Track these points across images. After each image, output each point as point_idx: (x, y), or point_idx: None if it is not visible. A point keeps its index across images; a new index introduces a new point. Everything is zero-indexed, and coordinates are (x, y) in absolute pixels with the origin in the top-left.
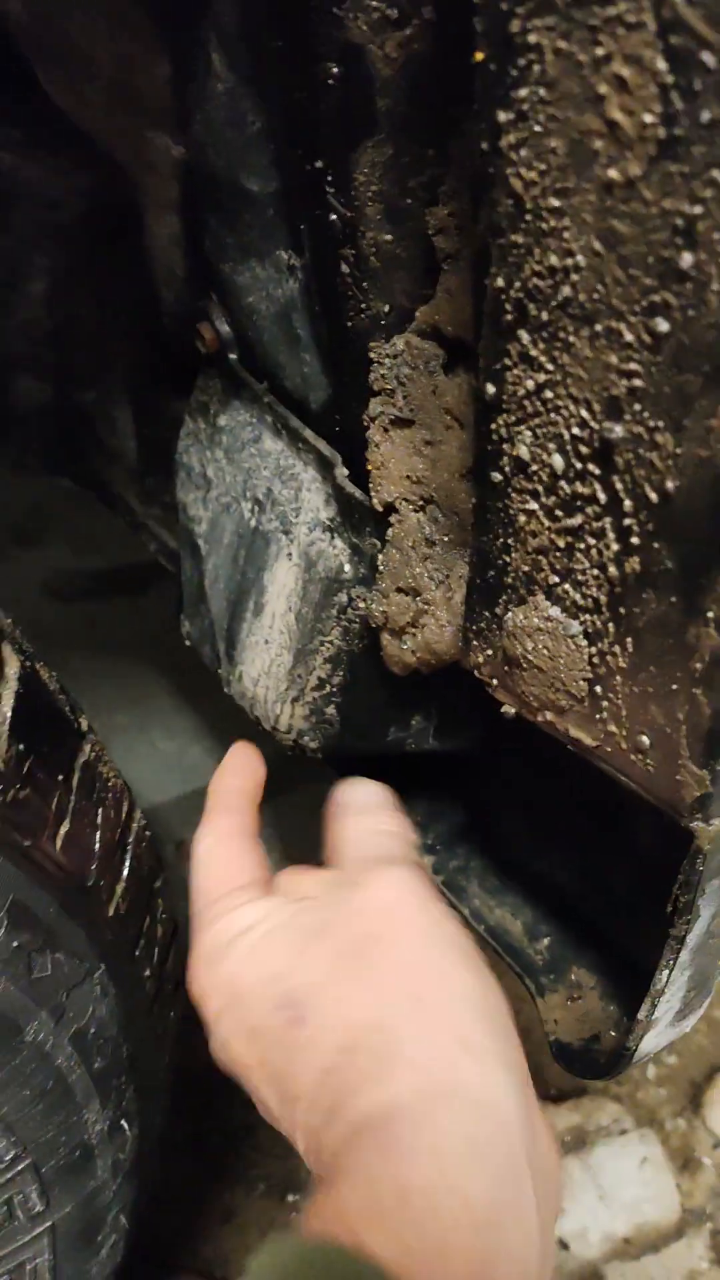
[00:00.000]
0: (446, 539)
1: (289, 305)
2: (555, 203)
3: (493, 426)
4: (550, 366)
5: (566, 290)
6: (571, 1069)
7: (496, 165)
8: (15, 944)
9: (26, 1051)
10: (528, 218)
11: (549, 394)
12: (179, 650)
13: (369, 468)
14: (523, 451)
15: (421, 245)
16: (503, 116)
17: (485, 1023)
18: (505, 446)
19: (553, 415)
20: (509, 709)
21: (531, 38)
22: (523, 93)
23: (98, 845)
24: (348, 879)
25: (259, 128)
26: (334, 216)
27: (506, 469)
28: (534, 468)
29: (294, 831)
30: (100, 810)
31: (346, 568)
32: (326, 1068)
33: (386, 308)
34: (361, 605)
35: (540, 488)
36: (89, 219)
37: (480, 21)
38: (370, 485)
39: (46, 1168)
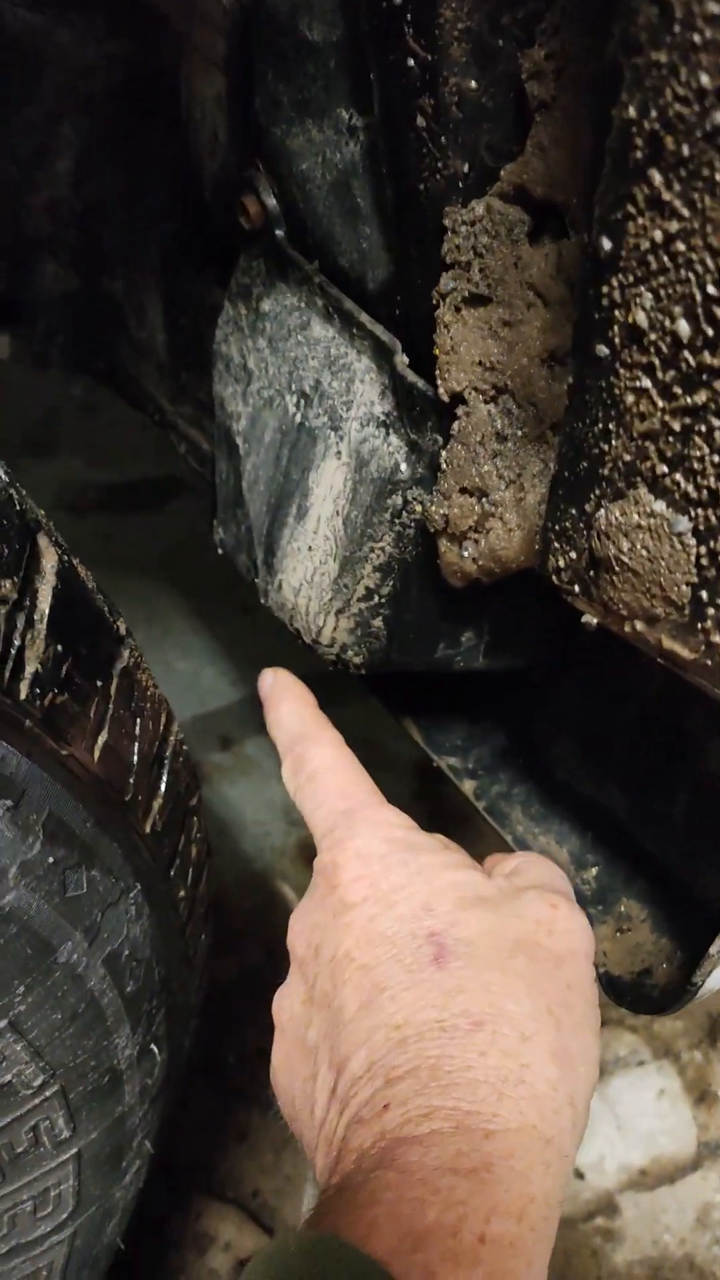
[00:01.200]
0: (521, 434)
1: (348, 171)
2: (714, 8)
3: (604, 290)
4: (686, 212)
5: (717, 117)
6: (623, 1002)
7: None
8: (50, 860)
9: (59, 973)
10: (677, 29)
11: (680, 246)
12: (195, 568)
13: (436, 352)
14: (640, 317)
15: (512, 93)
16: None
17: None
18: (618, 313)
19: (683, 272)
20: (590, 619)
21: None
22: None
23: (136, 757)
24: (522, 884)
25: None
26: (412, 61)
27: (617, 340)
28: (652, 336)
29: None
30: (138, 721)
31: (403, 467)
32: (442, 1021)
33: (466, 166)
34: (418, 508)
35: (658, 360)
36: (123, 88)
37: None
38: (437, 372)
39: (75, 1093)
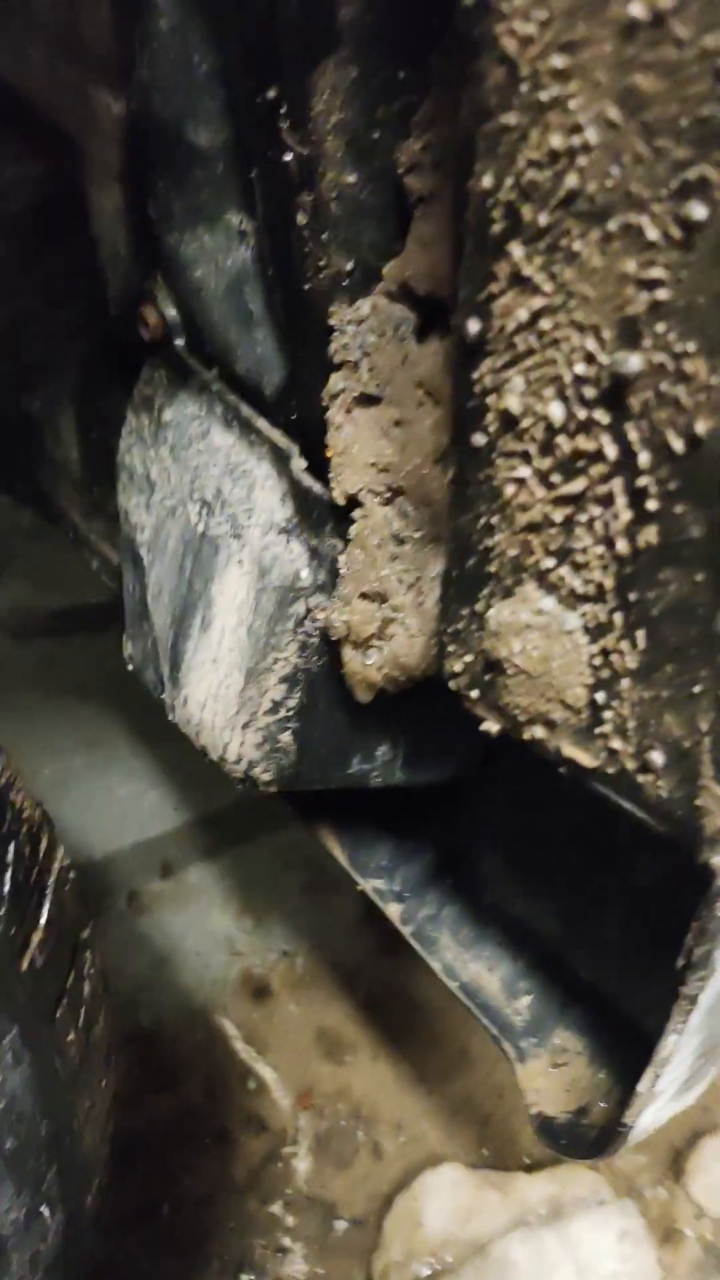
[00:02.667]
0: (418, 535)
1: (240, 276)
2: (559, 62)
3: (475, 376)
4: (548, 287)
5: (571, 181)
6: (556, 1147)
7: (483, 23)
8: None
9: None
10: (523, 89)
11: (546, 324)
12: (138, 691)
13: (329, 454)
14: (512, 403)
15: (390, 188)
16: None
17: None
18: (490, 400)
19: (550, 352)
20: (490, 726)
21: None
22: None
23: (7, 887)
24: None
25: (207, 69)
26: (289, 157)
27: (492, 428)
28: (525, 423)
29: (255, 882)
30: (11, 845)
31: (304, 573)
32: None
33: (349, 264)
34: (321, 616)
35: (533, 448)
36: (38, 209)
37: None
38: (330, 475)
39: None
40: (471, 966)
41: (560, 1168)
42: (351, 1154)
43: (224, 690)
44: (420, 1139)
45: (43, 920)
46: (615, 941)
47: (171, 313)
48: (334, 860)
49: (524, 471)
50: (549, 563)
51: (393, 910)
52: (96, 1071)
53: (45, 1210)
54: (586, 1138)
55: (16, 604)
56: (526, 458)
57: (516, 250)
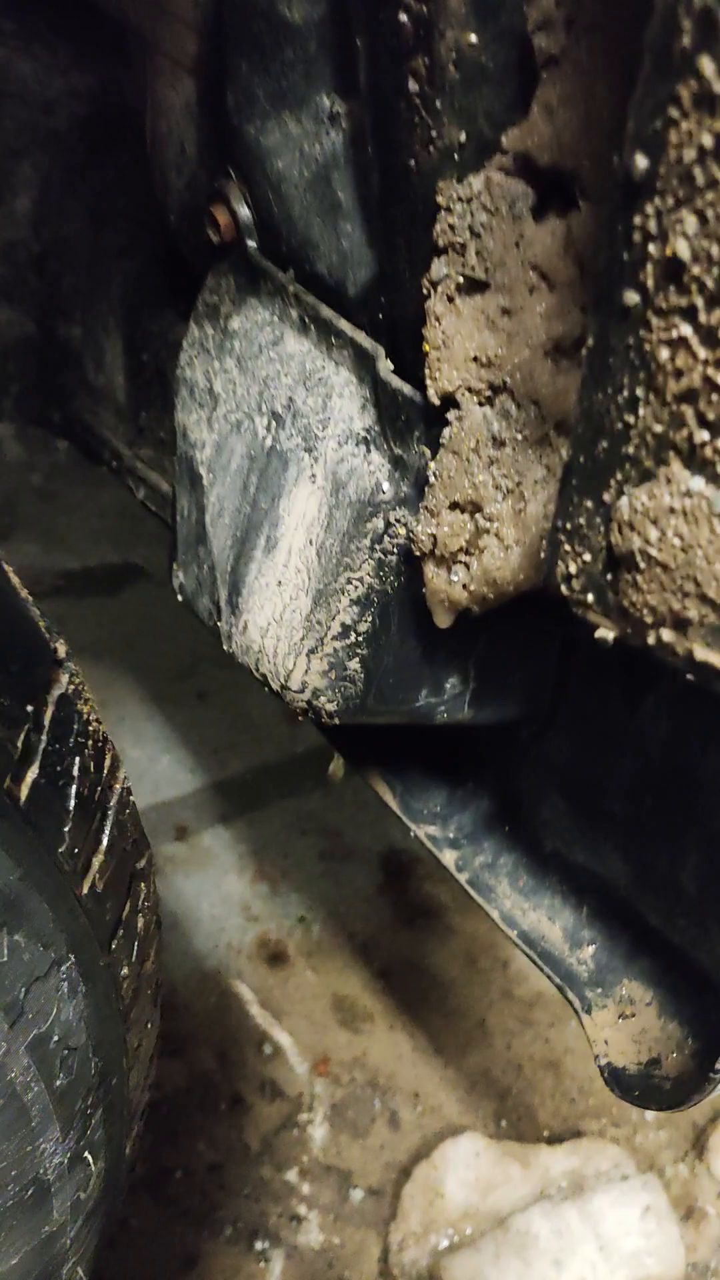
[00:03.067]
0: (520, 437)
1: (329, 164)
2: None
3: (636, 221)
4: None
5: None
6: (630, 1098)
7: None
8: None
9: None
10: None
11: None
12: (151, 654)
13: (426, 348)
14: (681, 248)
15: (516, 48)
16: None
17: None
18: (653, 248)
19: None
20: (606, 634)
21: None
22: None
23: (72, 801)
24: None
25: None
26: (405, 16)
27: (651, 281)
28: (695, 270)
29: (271, 847)
30: (77, 758)
31: (385, 486)
32: None
33: (463, 136)
34: (402, 530)
35: (700, 300)
36: (87, 124)
37: None
38: (426, 372)
39: None
40: (531, 915)
41: (582, 1141)
42: (368, 1123)
43: (289, 614)
44: (438, 1109)
45: (104, 843)
46: (690, 887)
47: (244, 212)
48: (351, 827)
49: (685, 330)
50: (703, 436)
51: (448, 857)
52: (146, 1010)
53: (89, 1155)
54: (661, 1088)
55: (27, 565)
56: (691, 313)
57: (707, 65)
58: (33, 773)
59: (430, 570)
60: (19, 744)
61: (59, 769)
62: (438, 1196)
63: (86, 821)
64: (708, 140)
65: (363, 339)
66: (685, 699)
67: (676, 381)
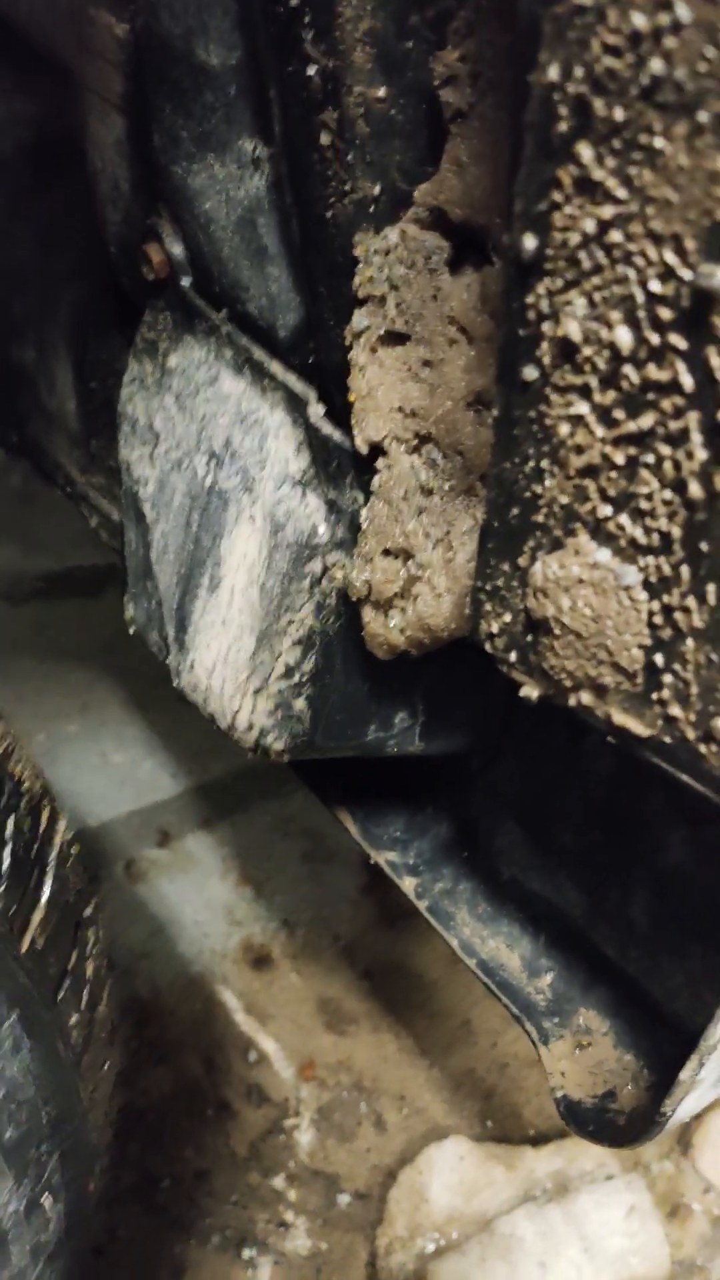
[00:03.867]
0: (447, 486)
1: (253, 208)
2: None
3: (529, 300)
4: (622, 192)
5: (656, 66)
6: (584, 1133)
7: None
8: None
9: None
10: None
11: (617, 236)
12: (132, 656)
13: (351, 399)
14: (571, 329)
15: (423, 104)
16: None
17: None
18: (546, 327)
19: (620, 268)
20: (530, 691)
21: None
22: None
23: (5, 863)
24: None
25: None
26: (313, 71)
27: (546, 359)
28: (586, 352)
29: (254, 850)
30: (10, 818)
31: (321, 529)
32: None
33: (377, 189)
34: (339, 575)
35: (594, 380)
36: (32, 150)
37: None
38: (353, 421)
39: None
40: (490, 943)
41: (566, 1141)
42: (354, 1126)
43: (234, 654)
44: (423, 1111)
45: (44, 898)
46: (640, 921)
47: (177, 250)
48: (334, 829)
49: (582, 408)
50: (606, 510)
51: (407, 884)
52: (100, 1052)
53: (47, 1199)
54: (615, 1124)
55: (7, 568)
56: (586, 392)
57: (585, 152)
58: None
59: (368, 614)
60: None
61: None
62: (423, 1201)
63: (23, 881)
64: (590, 226)
65: (294, 382)
66: None
67: (578, 456)
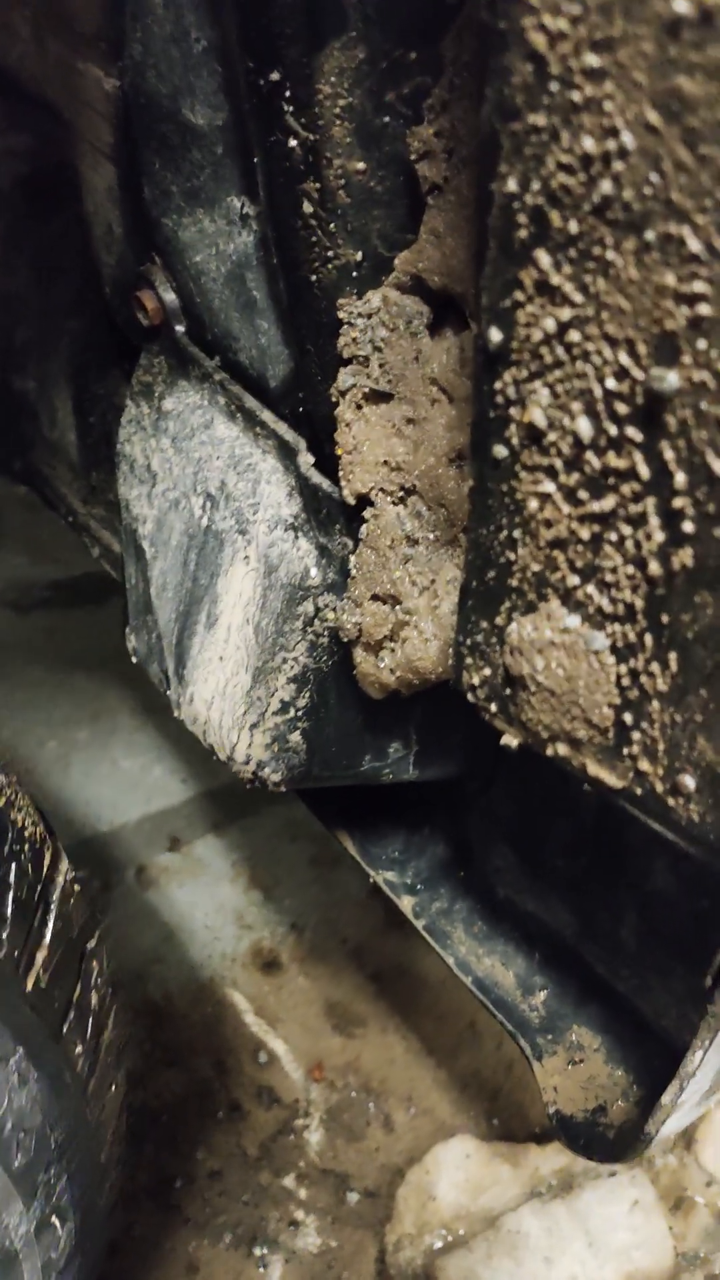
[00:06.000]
0: (432, 536)
1: (242, 263)
2: (593, 61)
3: (497, 386)
4: (578, 297)
5: (606, 187)
6: (575, 1147)
7: (509, 16)
8: None
9: None
10: (553, 88)
11: (575, 336)
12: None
13: (338, 452)
14: (536, 416)
15: (401, 176)
16: None
17: None
18: (513, 411)
19: (579, 365)
20: (511, 740)
21: None
22: None
23: (9, 908)
24: None
25: (205, 45)
26: (294, 143)
27: (514, 440)
28: (551, 437)
29: (263, 855)
30: (13, 865)
31: (313, 572)
32: None
33: (359, 255)
34: (331, 616)
35: (559, 463)
36: (27, 183)
37: None
38: (340, 473)
39: None
40: (486, 961)
41: None
42: (363, 1126)
43: (231, 689)
44: (430, 1111)
45: (47, 937)
46: (629, 941)
47: (170, 298)
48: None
49: (549, 487)
50: (574, 580)
51: (405, 903)
52: (107, 1076)
53: (56, 1220)
54: (605, 1138)
55: (15, 577)
56: (552, 473)
57: (543, 258)
58: None
59: (360, 655)
60: None
61: None
62: (431, 1199)
63: (26, 922)
64: (551, 325)
65: (285, 431)
66: None
67: (547, 530)
